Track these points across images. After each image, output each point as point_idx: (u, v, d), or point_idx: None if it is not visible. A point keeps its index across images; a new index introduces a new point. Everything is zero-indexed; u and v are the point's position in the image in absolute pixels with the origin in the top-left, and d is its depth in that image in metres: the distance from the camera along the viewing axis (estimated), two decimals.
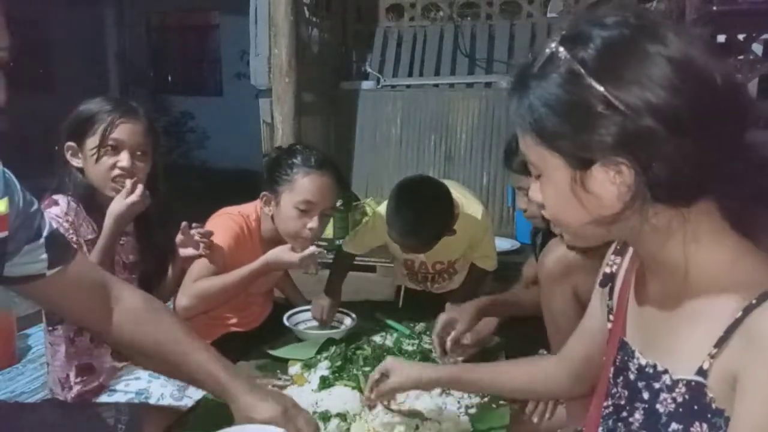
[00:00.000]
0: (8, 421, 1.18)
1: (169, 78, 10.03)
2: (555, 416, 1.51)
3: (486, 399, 1.45)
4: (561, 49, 0.72)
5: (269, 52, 2.78)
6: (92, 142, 1.50)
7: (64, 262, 1.06)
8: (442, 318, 1.63)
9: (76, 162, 1.52)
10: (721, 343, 0.71)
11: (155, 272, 1.66)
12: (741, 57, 2.94)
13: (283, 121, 2.78)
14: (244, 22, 3.00)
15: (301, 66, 2.82)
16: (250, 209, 1.84)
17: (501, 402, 1.44)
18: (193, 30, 10.03)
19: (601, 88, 0.68)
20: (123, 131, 1.51)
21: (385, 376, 1.24)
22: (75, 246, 1.34)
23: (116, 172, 1.51)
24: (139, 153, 1.53)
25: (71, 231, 1.45)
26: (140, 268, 1.62)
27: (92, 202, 1.53)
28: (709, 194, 0.72)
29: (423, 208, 1.77)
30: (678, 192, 0.70)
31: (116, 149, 1.50)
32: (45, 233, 1.04)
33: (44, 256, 1.03)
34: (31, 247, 1.02)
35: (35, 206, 1.04)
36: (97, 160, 1.49)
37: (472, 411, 1.40)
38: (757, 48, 3.02)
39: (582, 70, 0.69)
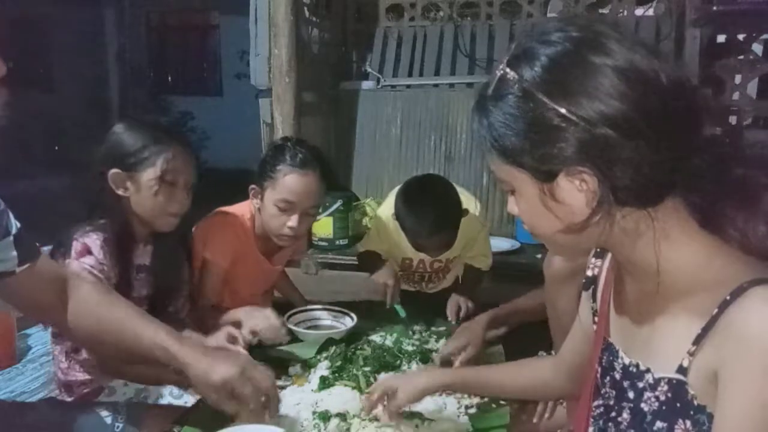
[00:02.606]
0: (8, 421, 1.18)
1: (169, 78, 10.03)
2: (555, 416, 1.51)
3: (486, 399, 1.45)
4: (509, 70, 0.75)
5: (269, 52, 2.78)
6: (151, 173, 1.47)
7: (31, 259, 1.10)
8: (453, 343, 1.64)
9: (121, 191, 1.48)
10: (699, 340, 0.72)
11: (164, 304, 1.66)
12: (741, 57, 2.95)
13: (283, 121, 2.77)
14: (244, 22, 2.99)
15: (301, 66, 2.82)
16: (244, 208, 1.85)
17: (501, 402, 1.44)
18: (193, 30, 10.04)
19: (553, 104, 0.71)
20: (180, 164, 1.51)
21: (389, 394, 1.24)
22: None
23: (174, 208, 1.52)
24: (189, 185, 1.55)
25: (104, 282, 1.40)
26: (151, 300, 1.60)
27: (126, 236, 1.50)
28: (674, 193, 0.75)
29: (439, 203, 1.80)
30: (641, 193, 0.72)
31: (173, 184, 1.50)
32: (13, 231, 1.07)
33: (14, 253, 1.06)
34: (2, 245, 1.05)
35: (2, 206, 1.07)
36: (157, 193, 1.48)
37: (472, 411, 1.40)
38: (757, 48, 3.01)
39: (532, 89, 0.72)
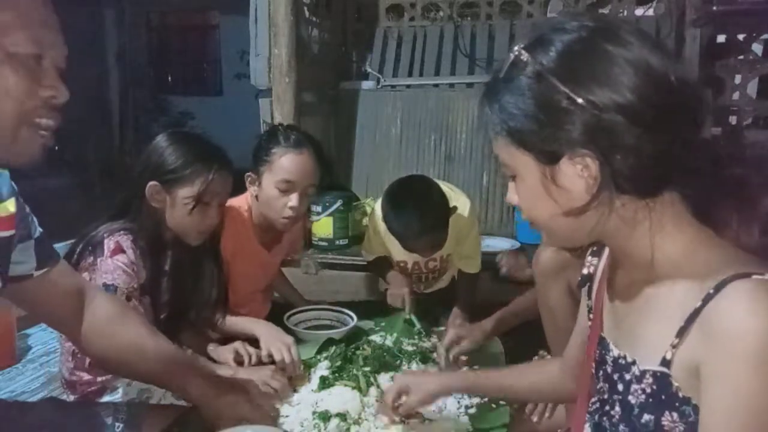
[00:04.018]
0: (8, 421, 1.18)
1: (169, 78, 10.03)
2: (555, 415, 1.51)
3: (486, 399, 1.45)
4: (524, 53, 0.77)
5: (269, 52, 2.78)
6: (188, 191, 1.49)
7: (49, 264, 1.11)
8: (450, 335, 1.68)
9: (155, 203, 1.49)
10: (681, 333, 0.73)
11: (184, 309, 1.67)
12: (741, 57, 2.95)
13: (283, 121, 2.76)
14: (244, 22, 2.98)
15: (301, 66, 2.81)
16: (241, 200, 1.87)
17: (501, 402, 1.44)
18: (193, 30, 10.03)
19: (563, 86, 0.73)
20: (218, 185, 1.52)
21: (403, 394, 1.25)
22: (127, 292, 1.39)
23: (204, 227, 1.54)
24: (223, 204, 1.58)
25: (134, 284, 1.42)
26: (171, 305, 1.61)
27: (156, 243, 1.51)
28: (672, 186, 0.76)
29: (423, 205, 1.79)
30: (641, 183, 0.74)
31: (207, 204, 1.51)
32: (35, 235, 1.08)
33: (33, 257, 1.07)
34: (23, 247, 1.06)
35: (27, 210, 1.09)
36: (191, 211, 1.49)
37: (472, 411, 1.40)
38: (757, 48, 3.02)
39: (544, 72, 0.74)
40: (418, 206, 1.79)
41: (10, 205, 1.04)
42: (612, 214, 0.77)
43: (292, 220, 1.80)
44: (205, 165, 1.50)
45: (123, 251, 1.41)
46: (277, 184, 1.74)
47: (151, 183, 1.47)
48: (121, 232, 1.44)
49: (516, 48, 0.78)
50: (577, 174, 0.75)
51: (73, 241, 1.48)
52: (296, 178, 1.75)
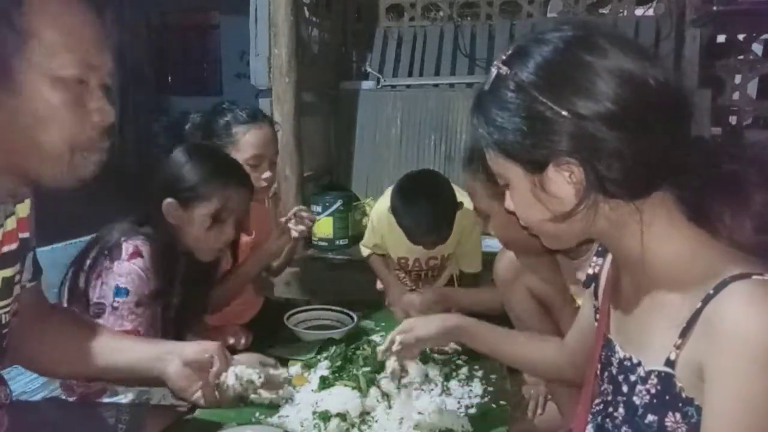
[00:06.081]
0: (10, 421, 1.18)
1: (169, 78, 10.03)
2: (547, 411, 1.53)
3: (486, 399, 1.45)
4: (503, 66, 0.79)
5: (269, 52, 2.78)
6: (204, 210, 1.47)
7: (37, 278, 1.12)
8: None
9: (172, 219, 1.47)
10: (684, 333, 0.74)
11: (194, 313, 1.65)
12: (741, 57, 2.95)
13: (283, 121, 2.76)
14: (244, 22, 2.99)
15: (301, 66, 2.82)
16: None
17: (501, 402, 1.44)
18: (193, 30, 10.04)
19: (543, 98, 0.74)
20: (235, 203, 1.50)
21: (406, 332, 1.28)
22: (138, 297, 1.37)
23: (219, 244, 1.52)
24: (239, 219, 1.56)
25: (146, 291, 1.40)
26: (180, 309, 1.58)
27: (171, 256, 1.49)
28: (663, 188, 0.77)
29: (435, 198, 1.81)
30: (628, 185, 0.75)
31: (224, 221, 1.50)
32: (33, 244, 1.08)
33: (32, 267, 1.07)
34: (29, 257, 1.07)
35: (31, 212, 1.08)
36: (207, 229, 1.48)
37: (472, 411, 1.40)
38: (757, 48, 3.02)
39: (524, 84, 0.76)
40: (429, 200, 1.81)
41: (27, 207, 1.03)
42: (600, 218, 0.78)
43: (267, 190, 1.87)
44: (223, 182, 1.48)
45: (141, 256, 1.39)
46: (247, 160, 1.77)
47: (168, 200, 1.46)
48: (141, 237, 1.42)
49: (496, 62, 0.80)
50: (566, 181, 0.76)
51: (68, 242, 1.47)
52: (264, 152, 1.81)
